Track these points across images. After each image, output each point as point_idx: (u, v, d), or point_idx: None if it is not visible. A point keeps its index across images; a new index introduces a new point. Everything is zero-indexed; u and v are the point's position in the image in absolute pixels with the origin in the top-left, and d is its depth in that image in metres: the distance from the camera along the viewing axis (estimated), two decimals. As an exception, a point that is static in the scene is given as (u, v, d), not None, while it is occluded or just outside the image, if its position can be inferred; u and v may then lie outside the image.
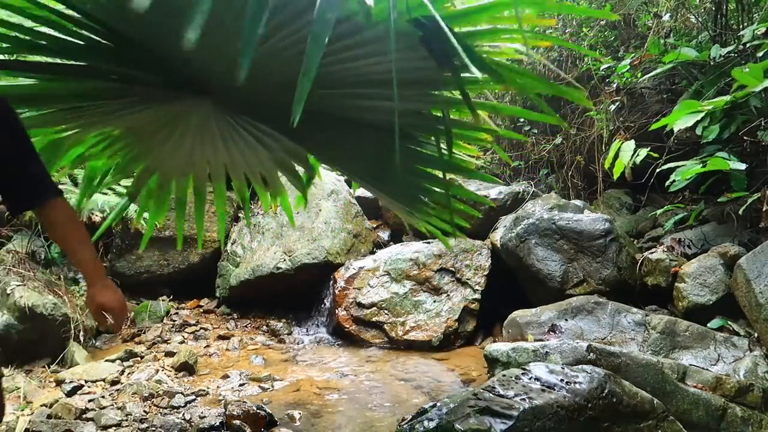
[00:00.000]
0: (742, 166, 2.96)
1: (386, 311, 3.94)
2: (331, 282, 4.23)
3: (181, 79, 1.36)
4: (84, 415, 2.60)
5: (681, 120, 2.66)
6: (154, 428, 2.51)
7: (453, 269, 4.10)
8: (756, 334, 2.86)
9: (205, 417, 2.60)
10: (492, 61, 1.04)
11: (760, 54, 3.06)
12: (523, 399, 1.78)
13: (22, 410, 2.66)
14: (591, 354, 2.42)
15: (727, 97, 2.59)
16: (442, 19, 0.88)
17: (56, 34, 1.31)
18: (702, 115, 2.62)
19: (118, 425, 2.52)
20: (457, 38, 0.88)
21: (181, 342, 3.87)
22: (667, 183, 3.34)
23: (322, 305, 4.30)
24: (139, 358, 3.46)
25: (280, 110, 1.28)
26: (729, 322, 3.02)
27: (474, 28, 0.97)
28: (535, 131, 5.81)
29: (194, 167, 1.77)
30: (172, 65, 1.34)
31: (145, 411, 2.68)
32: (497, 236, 4.17)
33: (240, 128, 1.52)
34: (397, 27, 0.78)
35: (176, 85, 1.39)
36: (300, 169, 1.90)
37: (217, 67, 1.29)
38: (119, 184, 2.50)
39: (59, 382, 2.98)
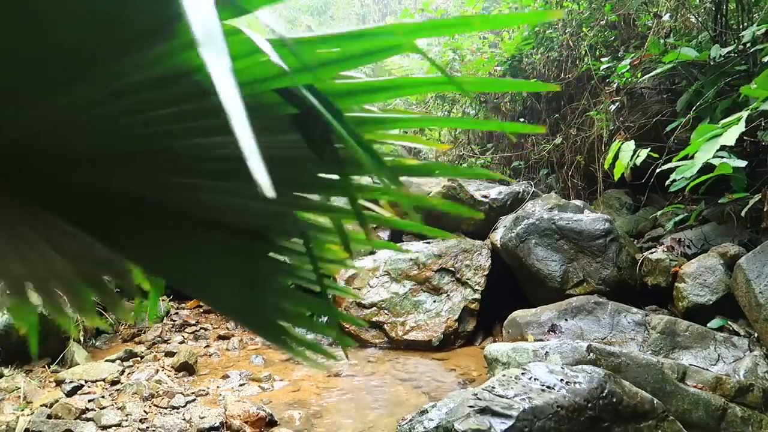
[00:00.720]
0: (743, 164, 2.97)
1: (386, 311, 3.94)
2: (331, 281, 4.23)
3: None
4: (84, 415, 2.60)
5: (701, 152, 2.59)
6: (154, 428, 2.52)
7: (453, 269, 4.10)
8: (756, 334, 2.86)
9: (205, 417, 2.60)
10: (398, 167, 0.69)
11: (765, 59, 3.05)
12: (523, 399, 1.78)
13: (22, 410, 2.66)
14: (591, 354, 2.42)
15: (744, 113, 2.55)
16: (326, 94, 0.59)
17: None
18: (718, 146, 2.55)
19: (118, 425, 2.52)
20: (347, 125, 0.58)
21: (181, 342, 3.87)
22: (668, 183, 3.35)
23: (322, 305, 4.30)
24: (139, 358, 3.46)
25: (90, 197, 0.84)
26: (729, 322, 3.02)
27: (367, 115, 0.67)
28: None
29: None
30: None
31: (145, 411, 2.68)
32: (497, 236, 4.18)
33: (22, 223, 0.91)
34: (259, 97, 0.57)
35: None
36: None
37: None
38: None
39: (59, 382, 2.99)
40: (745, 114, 2.53)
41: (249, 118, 0.56)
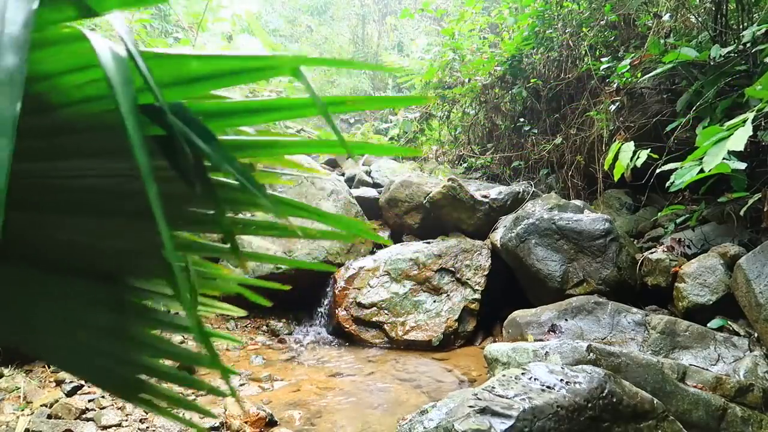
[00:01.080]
0: (742, 166, 2.97)
1: (386, 311, 3.94)
2: (331, 282, 4.23)
3: None
4: (84, 415, 2.60)
5: (709, 156, 2.57)
6: (154, 428, 2.52)
7: (453, 269, 4.10)
8: (756, 334, 2.86)
9: (205, 417, 2.60)
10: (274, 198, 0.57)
11: (766, 59, 3.05)
12: (523, 399, 1.78)
13: (22, 410, 2.66)
14: (591, 354, 2.42)
15: (750, 114, 2.53)
16: (198, 113, 0.52)
17: None
18: (726, 151, 2.52)
19: (118, 425, 2.52)
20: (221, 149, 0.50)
21: (181, 342, 3.87)
22: (668, 183, 3.35)
23: (323, 305, 4.30)
24: (139, 358, 3.46)
25: None
26: (729, 322, 3.02)
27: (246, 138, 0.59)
28: (536, 131, 5.82)
29: None
30: None
31: (145, 411, 2.68)
32: (497, 236, 4.18)
33: None
34: (117, 115, 0.46)
35: None
36: None
37: None
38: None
39: (59, 382, 2.98)
40: (750, 116, 2.52)
41: (101, 138, 0.48)
